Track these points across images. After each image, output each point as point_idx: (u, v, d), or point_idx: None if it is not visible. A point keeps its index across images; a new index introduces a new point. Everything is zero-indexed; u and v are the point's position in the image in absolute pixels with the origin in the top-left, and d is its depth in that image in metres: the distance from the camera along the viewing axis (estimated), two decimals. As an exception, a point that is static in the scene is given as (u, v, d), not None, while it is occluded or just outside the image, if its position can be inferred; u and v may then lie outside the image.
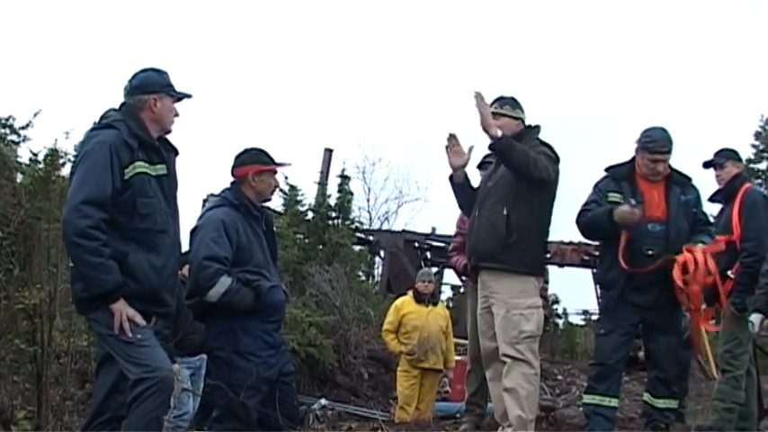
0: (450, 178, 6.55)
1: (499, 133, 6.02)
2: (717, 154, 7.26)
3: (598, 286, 6.94)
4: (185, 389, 8.47)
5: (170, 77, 5.12)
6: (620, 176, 6.60)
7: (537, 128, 6.50)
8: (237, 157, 6.04)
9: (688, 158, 7.13)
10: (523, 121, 6.49)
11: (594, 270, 23.73)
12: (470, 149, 6.44)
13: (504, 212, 6.18)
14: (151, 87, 5.01)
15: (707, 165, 7.26)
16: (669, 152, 6.52)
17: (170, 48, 53.02)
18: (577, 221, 6.60)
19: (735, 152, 7.34)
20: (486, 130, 5.99)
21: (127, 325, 4.66)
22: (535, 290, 6.25)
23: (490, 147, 6.09)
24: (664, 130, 6.56)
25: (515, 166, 6.07)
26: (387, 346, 11.58)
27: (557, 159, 6.31)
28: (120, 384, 4.85)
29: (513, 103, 6.51)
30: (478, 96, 6.00)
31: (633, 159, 6.61)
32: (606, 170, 6.70)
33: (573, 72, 55.67)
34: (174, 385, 4.90)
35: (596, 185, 6.65)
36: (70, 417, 8.10)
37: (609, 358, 6.44)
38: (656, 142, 6.48)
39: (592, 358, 6.78)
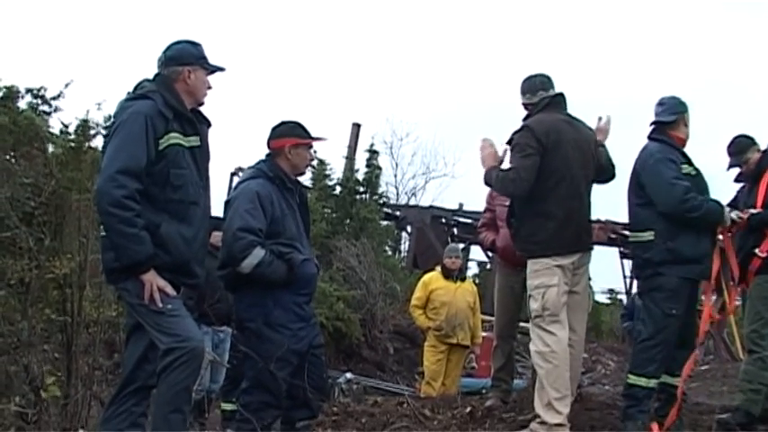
0: (487, 182, 6.39)
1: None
2: (730, 152, 6.99)
3: (647, 264, 6.44)
4: (213, 361, 8.51)
5: (204, 50, 5.12)
6: (674, 146, 6.41)
7: (536, 104, 6.32)
8: (275, 128, 6.03)
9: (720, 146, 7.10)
10: (533, 104, 6.36)
11: (621, 248, 23.63)
12: (505, 151, 6.30)
13: (507, 204, 6.62)
14: (186, 59, 5.01)
15: (730, 167, 7.03)
16: None
17: (201, 21, 53.20)
18: (690, 209, 6.12)
19: (746, 138, 6.99)
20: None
21: (157, 295, 4.68)
22: (546, 269, 6.12)
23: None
24: None
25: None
26: (414, 321, 11.62)
27: (537, 140, 6.03)
28: (149, 354, 4.87)
29: (524, 87, 6.42)
30: (486, 142, 6.39)
31: (663, 134, 6.43)
32: (660, 140, 6.44)
33: (602, 51, 55.31)
34: (205, 356, 4.91)
35: (669, 158, 6.28)
36: (99, 386, 8.14)
37: (673, 340, 6.24)
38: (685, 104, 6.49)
39: (650, 338, 6.26)
